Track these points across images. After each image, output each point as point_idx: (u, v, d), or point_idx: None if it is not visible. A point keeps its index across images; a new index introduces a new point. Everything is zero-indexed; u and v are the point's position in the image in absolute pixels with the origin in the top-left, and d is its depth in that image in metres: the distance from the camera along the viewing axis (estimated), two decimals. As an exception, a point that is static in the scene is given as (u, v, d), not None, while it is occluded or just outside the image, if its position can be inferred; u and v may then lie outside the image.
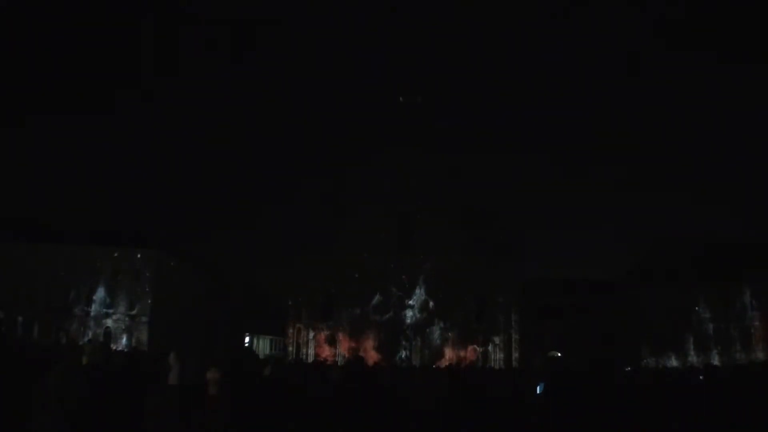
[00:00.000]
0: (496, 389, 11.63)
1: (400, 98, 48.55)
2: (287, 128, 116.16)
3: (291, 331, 46.55)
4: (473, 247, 43.80)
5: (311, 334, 45.44)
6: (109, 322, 46.84)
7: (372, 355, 40.83)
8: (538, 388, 11.21)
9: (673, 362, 39.94)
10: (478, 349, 44.16)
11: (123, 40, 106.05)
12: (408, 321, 44.19)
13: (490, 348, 44.44)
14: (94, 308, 46.92)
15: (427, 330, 43.93)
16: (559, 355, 47.09)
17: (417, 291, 44.24)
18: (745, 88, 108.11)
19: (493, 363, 42.62)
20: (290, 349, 46.18)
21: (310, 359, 41.33)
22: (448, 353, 43.02)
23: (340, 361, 38.14)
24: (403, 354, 43.26)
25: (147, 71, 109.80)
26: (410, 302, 44.35)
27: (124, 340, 44.82)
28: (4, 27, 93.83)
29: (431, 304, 44.09)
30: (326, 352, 43.76)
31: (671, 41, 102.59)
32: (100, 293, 47.11)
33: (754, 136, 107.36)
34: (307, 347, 45.03)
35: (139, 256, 47.71)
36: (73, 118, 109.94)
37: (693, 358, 42.66)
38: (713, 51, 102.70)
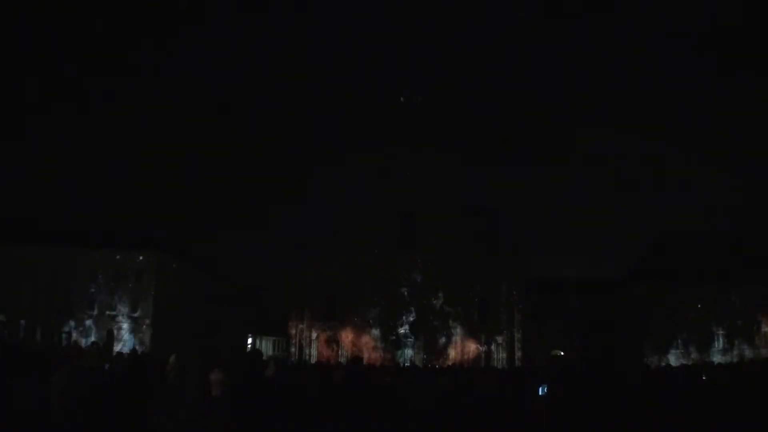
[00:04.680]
0: (498, 390, 11.62)
1: (401, 98, 48.57)
2: (288, 129, 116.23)
3: (293, 331, 46.54)
4: (475, 246, 43.77)
5: (314, 335, 45.42)
6: (111, 325, 46.83)
7: (374, 356, 40.83)
8: (540, 389, 11.12)
9: (677, 361, 39.83)
10: (481, 348, 44.11)
11: (120, 35, 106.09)
12: (410, 321, 44.15)
13: (493, 347, 44.40)
14: (96, 311, 46.92)
15: (430, 330, 43.88)
16: (562, 354, 47.07)
17: (419, 290, 44.19)
18: (746, 87, 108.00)
19: (496, 362, 42.61)
20: (293, 350, 46.18)
21: (313, 360, 41.35)
22: (451, 353, 42.99)
23: (343, 361, 38.10)
24: (406, 354, 43.25)
25: (147, 70, 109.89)
26: (412, 302, 44.30)
27: (126, 343, 44.78)
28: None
29: (434, 303, 44.04)
30: (329, 352, 43.73)
31: (675, 43, 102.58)
32: (102, 296, 47.11)
33: (755, 133, 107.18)
34: (310, 348, 45.02)
35: (141, 258, 47.68)
36: (73, 118, 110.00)
37: (696, 356, 42.57)
38: (716, 52, 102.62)
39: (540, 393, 11.02)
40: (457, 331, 43.84)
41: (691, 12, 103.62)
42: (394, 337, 43.46)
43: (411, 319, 43.80)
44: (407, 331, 43.75)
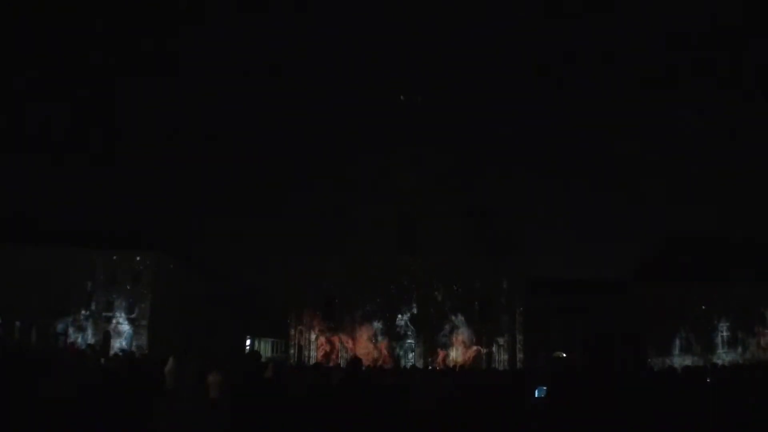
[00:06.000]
0: (496, 392, 11.47)
1: (401, 97, 48.51)
2: (287, 128, 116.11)
3: (292, 333, 46.31)
4: (476, 247, 43.58)
5: (313, 336, 45.20)
6: (108, 326, 46.58)
7: (374, 357, 40.63)
8: (536, 392, 10.92)
9: (681, 362, 39.61)
10: (482, 350, 43.90)
11: (120, 35, 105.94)
12: (410, 322, 43.97)
13: (494, 349, 44.19)
14: (92, 312, 46.66)
15: (430, 331, 43.69)
16: (564, 355, 46.84)
17: (419, 291, 44.01)
18: (746, 87, 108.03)
19: (497, 364, 42.41)
20: (292, 351, 45.96)
21: (312, 361, 41.14)
22: (452, 354, 42.80)
23: (342, 363, 37.91)
24: (408, 355, 43.08)
25: (146, 68, 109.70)
26: (413, 303, 44.14)
27: (123, 344, 44.54)
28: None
29: (434, 304, 43.87)
30: (328, 354, 43.52)
31: (675, 43, 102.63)
32: (99, 296, 46.86)
33: (756, 133, 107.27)
34: (309, 349, 44.79)
35: (138, 258, 47.46)
36: (70, 116, 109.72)
37: (701, 357, 42.36)
38: (716, 52, 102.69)
39: (537, 395, 10.86)
40: (459, 323, 43.55)
41: (691, 12, 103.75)
42: (397, 330, 43.35)
43: (413, 311, 43.70)
44: (408, 322, 43.64)
